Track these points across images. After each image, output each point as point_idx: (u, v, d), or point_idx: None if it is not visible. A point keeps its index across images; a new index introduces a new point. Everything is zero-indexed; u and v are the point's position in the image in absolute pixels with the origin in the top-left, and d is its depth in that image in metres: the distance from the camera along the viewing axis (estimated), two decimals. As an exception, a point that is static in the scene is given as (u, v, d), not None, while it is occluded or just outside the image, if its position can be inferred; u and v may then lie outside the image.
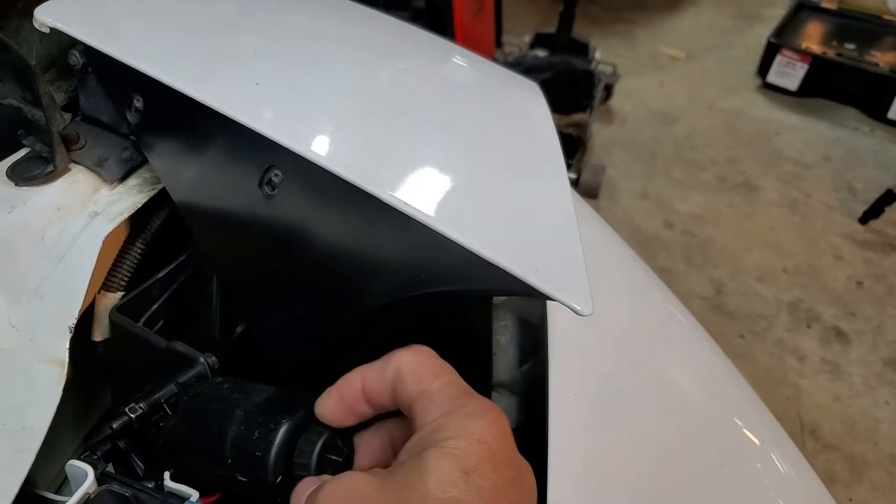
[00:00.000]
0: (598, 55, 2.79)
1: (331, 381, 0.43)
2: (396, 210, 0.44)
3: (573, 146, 2.24)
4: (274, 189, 0.51)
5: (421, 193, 0.46)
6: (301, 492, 0.40)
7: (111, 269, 0.60)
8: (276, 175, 0.51)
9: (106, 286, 0.60)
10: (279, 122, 0.50)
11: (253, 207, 0.52)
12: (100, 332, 0.60)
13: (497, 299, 0.71)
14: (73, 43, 0.60)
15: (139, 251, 0.61)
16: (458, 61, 0.74)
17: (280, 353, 0.56)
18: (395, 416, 0.42)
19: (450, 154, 0.54)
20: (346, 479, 0.37)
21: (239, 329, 0.62)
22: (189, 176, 0.57)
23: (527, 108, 0.67)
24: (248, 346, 0.61)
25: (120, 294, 0.60)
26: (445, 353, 0.41)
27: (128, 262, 0.60)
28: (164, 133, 0.59)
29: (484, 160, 0.55)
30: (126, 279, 0.60)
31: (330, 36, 0.68)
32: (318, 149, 0.47)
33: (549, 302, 0.61)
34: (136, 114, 0.59)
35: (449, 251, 0.43)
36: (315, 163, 0.46)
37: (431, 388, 0.38)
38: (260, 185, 0.51)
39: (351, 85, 0.59)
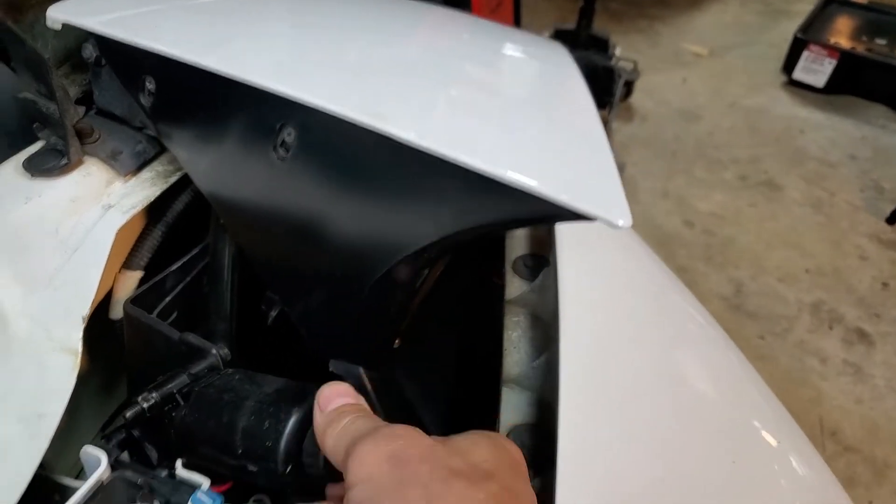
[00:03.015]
0: (618, 51, 2.76)
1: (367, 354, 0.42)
2: (411, 148, 0.42)
3: (592, 143, 2.22)
4: (288, 150, 0.50)
5: (437, 127, 0.43)
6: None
7: (133, 247, 0.61)
8: (288, 135, 0.50)
9: (127, 265, 0.61)
10: (286, 77, 0.48)
11: (270, 173, 0.51)
12: (117, 311, 0.60)
13: (510, 294, 0.71)
14: (87, 37, 0.61)
15: (162, 231, 0.62)
16: (481, 21, 0.74)
17: (318, 327, 0.55)
18: None
19: (466, 89, 0.52)
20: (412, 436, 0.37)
21: (273, 313, 0.62)
22: (205, 152, 0.57)
23: (549, 54, 0.66)
24: (284, 328, 0.60)
25: (140, 273, 0.61)
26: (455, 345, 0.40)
27: (150, 242, 0.61)
28: (177, 111, 0.59)
29: (505, 94, 0.53)
30: (147, 259, 0.61)
31: (339, 6, 0.68)
32: (326, 96, 0.46)
33: (560, 298, 0.61)
34: (149, 97, 0.60)
35: (472, 182, 0.40)
36: (323, 110, 0.45)
37: None
38: (274, 148, 0.51)
39: (359, 43, 0.59)
